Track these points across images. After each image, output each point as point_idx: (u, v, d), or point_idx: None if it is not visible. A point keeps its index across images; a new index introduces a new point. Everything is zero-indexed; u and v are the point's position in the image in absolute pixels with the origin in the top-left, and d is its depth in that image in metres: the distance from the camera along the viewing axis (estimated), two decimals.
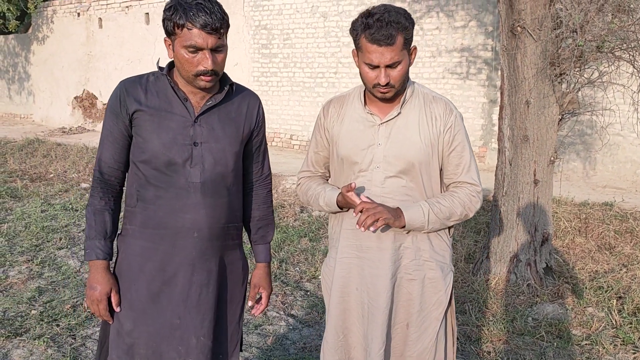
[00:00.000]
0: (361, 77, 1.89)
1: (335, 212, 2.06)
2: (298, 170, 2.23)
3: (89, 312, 3.75)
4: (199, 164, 1.80)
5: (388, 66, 1.80)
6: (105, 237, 1.83)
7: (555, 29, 3.90)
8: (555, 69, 3.92)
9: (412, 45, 1.88)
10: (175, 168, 1.78)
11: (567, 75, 3.95)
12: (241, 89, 2.00)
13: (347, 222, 2.01)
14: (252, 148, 1.98)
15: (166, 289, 1.82)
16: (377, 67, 1.80)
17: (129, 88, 1.82)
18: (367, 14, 1.81)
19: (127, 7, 12.42)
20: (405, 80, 1.88)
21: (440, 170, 1.99)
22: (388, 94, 1.86)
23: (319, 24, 9.87)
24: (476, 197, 1.96)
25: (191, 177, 1.79)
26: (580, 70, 4.00)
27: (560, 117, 4.16)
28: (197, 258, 1.83)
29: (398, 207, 1.88)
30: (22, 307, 3.82)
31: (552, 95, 4.02)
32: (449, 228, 2.04)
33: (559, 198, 6.13)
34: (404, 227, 1.88)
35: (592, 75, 4.17)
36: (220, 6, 1.71)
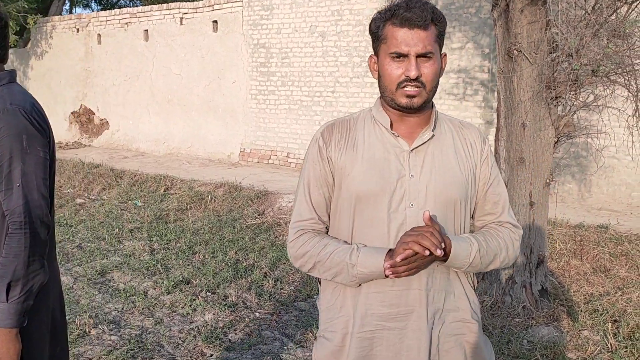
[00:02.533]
0: (382, 83, 1.54)
1: (364, 281, 1.54)
2: (291, 222, 1.66)
3: (81, 330, 3.71)
4: None
5: (420, 56, 1.47)
6: None
7: (551, 53, 3.95)
8: (551, 92, 3.96)
9: (443, 51, 1.58)
10: None
11: (562, 98, 3.99)
12: None
13: (372, 283, 1.54)
14: None
15: None
16: (406, 57, 1.47)
17: None
18: (393, 4, 1.51)
19: (126, 23, 12.49)
20: (436, 88, 1.54)
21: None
22: (417, 98, 1.49)
23: (317, 43, 9.95)
24: (518, 242, 1.64)
25: None
26: (575, 94, 4.04)
27: (556, 139, 4.19)
28: None
29: (448, 238, 1.50)
30: None
31: (548, 118, 4.05)
32: (475, 278, 1.73)
33: (554, 220, 6.14)
34: (444, 260, 1.51)
35: (587, 98, 4.21)
36: None
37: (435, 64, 1.50)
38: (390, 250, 1.49)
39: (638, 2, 3.79)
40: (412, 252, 1.41)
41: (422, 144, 1.56)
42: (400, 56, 1.48)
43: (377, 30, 1.54)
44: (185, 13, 11.50)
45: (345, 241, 1.59)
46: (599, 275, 5.05)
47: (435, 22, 1.50)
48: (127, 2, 25.34)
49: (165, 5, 11.90)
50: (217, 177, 8.90)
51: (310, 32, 10.02)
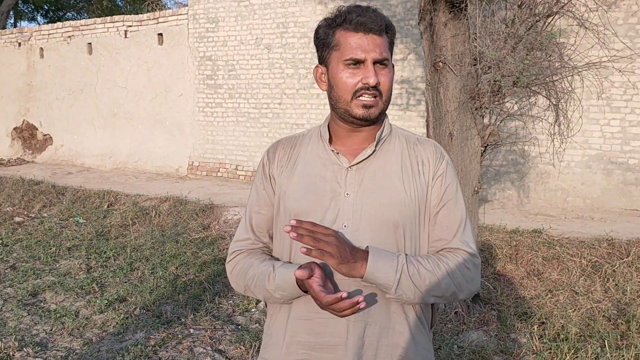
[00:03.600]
0: (335, 93, 1.42)
1: (290, 300, 1.44)
2: (232, 241, 1.59)
3: (5, 353, 3.59)
4: None
5: (376, 63, 1.38)
6: None
7: (474, 65, 4.07)
8: (475, 102, 4.08)
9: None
10: None
11: (487, 108, 4.12)
12: None
13: (300, 307, 1.44)
14: None
15: None
16: (362, 63, 1.37)
17: None
18: (341, 10, 1.43)
19: (69, 36, 12.25)
20: (390, 98, 1.44)
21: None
22: (374, 108, 1.39)
23: (263, 55, 9.98)
24: (471, 271, 1.43)
25: None
26: (499, 104, 4.17)
27: (483, 148, 4.31)
28: None
29: (365, 250, 1.36)
30: None
31: (474, 128, 4.17)
32: (432, 315, 1.54)
33: (492, 226, 6.30)
34: (361, 277, 1.34)
35: (511, 108, 4.36)
36: None
37: (390, 73, 1.42)
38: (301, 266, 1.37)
39: (553, 16, 3.96)
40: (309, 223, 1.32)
41: (362, 160, 1.45)
42: (356, 63, 1.37)
43: (326, 38, 1.43)
44: (130, 26, 11.36)
45: (273, 257, 1.53)
46: (532, 279, 5.20)
47: (387, 31, 1.42)
48: (75, 15, 24.86)
49: (109, 18, 11.72)
50: (164, 192, 8.78)
51: (256, 44, 10.04)
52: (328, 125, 1.52)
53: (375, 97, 1.38)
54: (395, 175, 1.44)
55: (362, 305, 1.27)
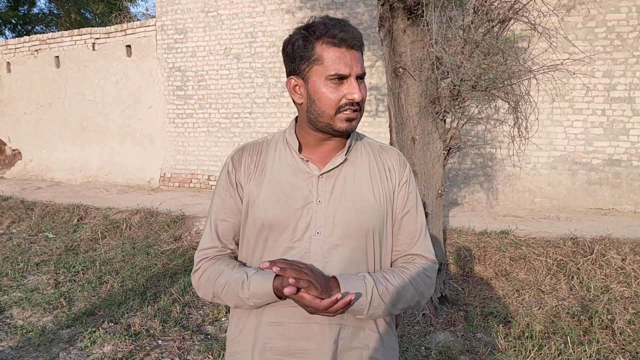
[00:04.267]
0: (317, 107, 1.42)
1: (261, 305, 1.45)
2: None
3: None
4: None
5: (357, 78, 1.41)
6: None
7: (433, 70, 4.15)
8: (436, 107, 4.16)
9: None
10: None
11: (447, 112, 4.20)
12: None
13: (271, 312, 1.45)
14: None
15: None
16: (345, 79, 1.39)
17: None
18: (318, 20, 1.43)
19: (36, 50, 12.11)
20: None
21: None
22: (355, 121, 1.42)
23: (233, 65, 9.99)
24: (431, 278, 1.50)
25: None
26: (460, 108, 4.25)
27: (446, 152, 4.38)
28: None
29: (334, 277, 1.39)
30: None
31: (436, 132, 4.25)
32: (397, 320, 1.62)
33: (460, 228, 6.39)
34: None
35: (474, 112, 4.45)
36: None
37: (365, 87, 1.46)
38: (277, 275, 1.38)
39: (508, 21, 4.06)
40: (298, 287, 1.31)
41: (333, 168, 1.47)
42: (340, 78, 1.39)
43: (305, 50, 1.41)
44: (98, 38, 11.28)
45: (243, 263, 1.52)
46: (500, 279, 5.29)
47: (361, 45, 1.45)
48: (43, 28, 24.56)
49: (76, 30, 11.62)
50: (135, 204, 8.71)
51: (225, 54, 10.05)
52: (295, 132, 1.53)
53: (357, 110, 1.42)
54: (364, 182, 1.48)
55: (352, 298, 1.31)
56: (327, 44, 1.38)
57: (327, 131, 1.44)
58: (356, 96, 1.38)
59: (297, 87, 1.46)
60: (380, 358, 1.48)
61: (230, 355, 1.53)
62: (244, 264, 1.52)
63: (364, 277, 1.39)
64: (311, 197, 1.44)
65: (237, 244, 1.56)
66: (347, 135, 1.48)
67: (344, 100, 1.39)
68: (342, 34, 1.37)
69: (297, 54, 1.42)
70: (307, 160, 1.47)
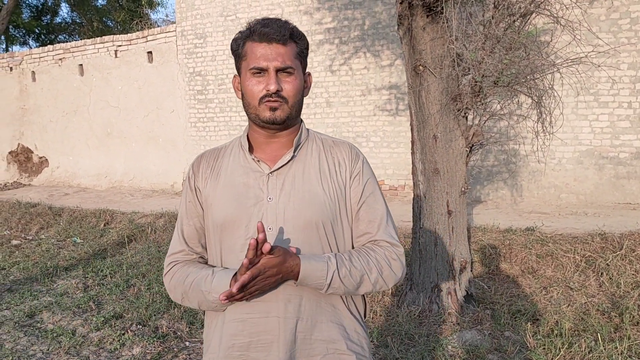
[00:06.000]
0: (245, 100, 1.51)
1: (223, 308, 1.50)
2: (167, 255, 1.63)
3: None
4: None
5: (280, 71, 1.46)
6: None
7: (454, 67, 4.12)
8: (457, 104, 4.12)
9: (306, 70, 1.57)
10: None
11: (469, 109, 4.16)
12: None
13: (233, 309, 1.50)
14: None
15: None
16: (266, 72, 1.45)
17: None
18: (252, 22, 1.51)
19: (60, 59, 12.33)
20: (299, 104, 1.52)
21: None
22: (279, 111, 1.47)
23: None
24: (397, 261, 1.54)
25: None
26: (482, 104, 4.21)
27: (468, 149, 4.34)
28: None
29: (297, 256, 1.43)
30: None
31: (458, 129, 4.21)
32: (364, 309, 1.65)
33: (484, 226, 6.33)
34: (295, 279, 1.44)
35: (496, 108, 4.40)
36: None
37: (297, 80, 1.49)
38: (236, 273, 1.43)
39: (530, 15, 4.01)
40: (246, 279, 1.35)
41: (282, 166, 1.53)
42: (261, 71, 1.45)
43: (237, 49, 1.51)
44: (120, 45, 11.44)
45: (211, 266, 1.56)
46: (526, 277, 5.22)
47: (296, 40, 1.49)
48: (66, 37, 24.99)
49: (99, 39, 11.80)
50: (159, 208, 8.81)
51: None
52: (247, 135, 1.60)
53: (279, 101, 1.46)
54: (314, 177, 1.53)
55: (264, 246, 1.35)
56: (251, 41, 1.46)
57: (258, 123, 1.51)
58: (271, 87, 1.43)
59: (238, 84, 1.55)
60: (344, 349, 1.52)
61: (204, 354, 1.59)
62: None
63: (328, 259, 1.46)
64: (262, 195, 1.50)
65: (205, 248, 1.61)
66: (282, 127, 1.53)
67: (263, 92, 1.44)
68: (263, 29, 1.44)
69: (234, 53, 1.53)
70: (258, 160, 1.54)
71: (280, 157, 1.54)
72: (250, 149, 1.57)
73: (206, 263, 1.61)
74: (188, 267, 1.55)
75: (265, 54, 1.44)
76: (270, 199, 1.49)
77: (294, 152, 1.55)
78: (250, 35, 1.47)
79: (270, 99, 1.45)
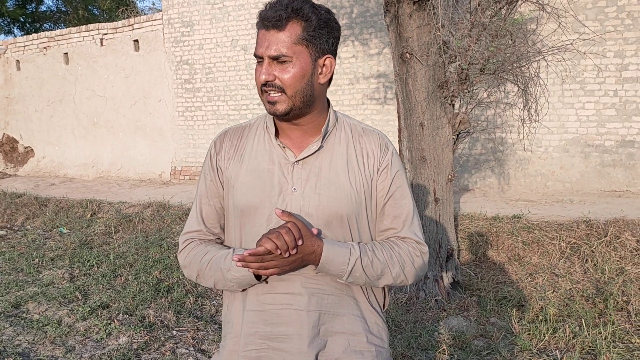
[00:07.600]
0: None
1: (240, 287, 1.46)
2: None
3: None
4: None
5: (274, 60, 1.36)
6: None
7: (440, 55, 4.12)
8: (444, 91, 4.12)
9: (324, 54, 1.42)
10: None
11: (455, 97, 4.16)
12: None
13: (253, 299, 1.47)
14: None
15: None
16: (263, 60, 1.38)
17: None
18: None
19: (45, 47, 12.17)
20: (303, 92, 1.40)
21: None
22: (279, 104, 1.39)
23: (240, 57, 9.98)
24: (420, 258, 1.48)
25: None
26: (468, 92, 4.22)
27: (455, 137, 4.35)
28: None
29: (320, 240, 1.38)
30: None
31: (444, 117, 4.22)
32: (384, 298, 1.60)
33: (472, 214, 6.36)
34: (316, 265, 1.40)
35: (479, 95, 4.41)
36: None
37: (295, 68, 1.36)
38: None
39: (516, 2, 4.01)
40: (264, 249, 1.29)
41: (309, 155, 1.45)
42: (260, 59, 1.39)
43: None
44: (105, 34, 11.31)
45: (228, 247, 1.52)
46: (513, 264, 5.26)
47: (300, 20, 1.35)
48: (52, 26, 24.67)
49: (84, 27, 11.66)
50: (147, 198, 8.77)
51: (232, 46, 10.04)
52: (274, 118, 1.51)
53: (276, 92, 1.38)
54: (341, 169, 1.45)
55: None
56: (258, 26, 1.40)
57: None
58: (262, 77, 1.36)
59: None
60: (364, 342, 1.48)
61: (225, 335, 1.56)
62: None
63: (351, 246, 1.40)
64: (287, 185, 1.44)
65: (223, 229, 1.56)
66: (288, 119, 1.44)
67: (262, 82, 1.38)
68: (263, 13, 1.36)
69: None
70: (284, 147, 1.46)
71: (307, 145, 1.47)
72: (276, 134, 1.49)
73: (223, 244, 1.56)
74: (206, 246, 1.50)
75: (262, 41, 1.37)
76: (294, 189, 1.43)
77: (322, 142, 1.47)
78: (258, 19, 1.40)
79: (266, 88, 1.38)
